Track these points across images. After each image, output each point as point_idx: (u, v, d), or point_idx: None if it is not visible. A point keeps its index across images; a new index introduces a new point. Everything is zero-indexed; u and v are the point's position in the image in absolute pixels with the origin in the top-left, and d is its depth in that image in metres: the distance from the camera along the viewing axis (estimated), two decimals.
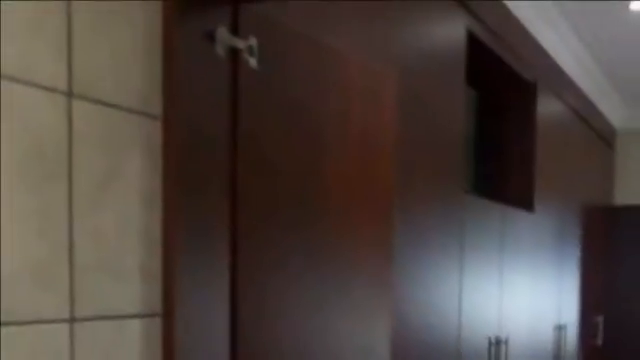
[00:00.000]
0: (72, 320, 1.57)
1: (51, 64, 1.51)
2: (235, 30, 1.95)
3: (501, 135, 5.24)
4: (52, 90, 1.51)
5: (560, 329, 6.15)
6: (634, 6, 5.05)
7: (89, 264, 1.61)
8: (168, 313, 1.78)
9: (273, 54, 2.08)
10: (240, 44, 1.94)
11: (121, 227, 1.68)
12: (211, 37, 1.87)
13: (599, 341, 7.51)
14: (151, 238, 1.76)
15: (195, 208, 1.82)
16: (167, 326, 1.78)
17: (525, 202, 5.18)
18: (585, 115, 6.77)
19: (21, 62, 1.44)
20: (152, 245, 1.76)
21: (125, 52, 1.68)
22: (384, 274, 2.66)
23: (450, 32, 3.78)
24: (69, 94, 1.55)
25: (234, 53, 1.94)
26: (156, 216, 1.77)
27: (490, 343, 4.43)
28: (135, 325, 1.73)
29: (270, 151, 2.10)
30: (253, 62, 1.98)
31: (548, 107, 5.56)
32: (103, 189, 1.64)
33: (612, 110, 7.66)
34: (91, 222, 1.61)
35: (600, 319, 7.51)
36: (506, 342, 4.62)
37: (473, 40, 4.05)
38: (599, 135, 7.43)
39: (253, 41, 1.98)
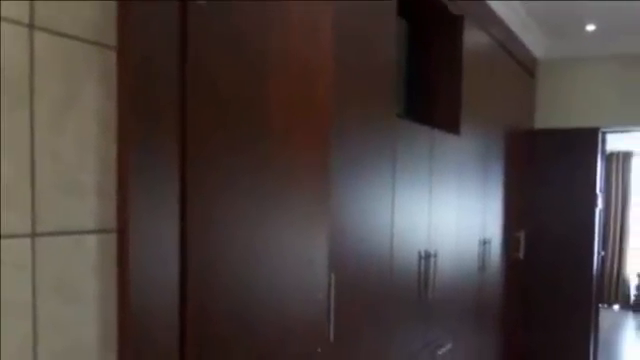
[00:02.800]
0: (33, 235, 1.59)
1: None
2: None
3: (430, 64, 5.27)
4: (16, 23, 1.52)
5: (485, 243, 6.26)
6: None
7: (49, 184, 1.62)
8: (122, 229, 1.79)
9: None
10: None
11: (79, 149, 1.69)
12: None
13: (521, 254, 7.65)
14: (106, 159, 1.76)
15: (147, 131, 1.83)
16: (121, 241, 1.79)
17: (452, 126, 5.24)
18: (508, 46, 6.82)
19: None
20: (107, 166, 1.77)
21: None
22: (322, 192, 2.69)
23: None
24: (31, 26, 1.55)
25: None
26: (111, 139, 1.77)
27: (420, 256, 4.51)
28: (92, 240, 1.74)
29: (217, 79, 2.10)
30: None
31: (474, 38, 5.60)
32: (62, 114, 1.65)
33: (533, 41, 7.72)
34: (51, 145, 1.62)
35: (522, 234, 7.64)
36: (435, 255, 4.71)
37: None
38: (521, 64, 7.49)
39: None
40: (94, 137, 1.74)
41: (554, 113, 8.16)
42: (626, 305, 13.60)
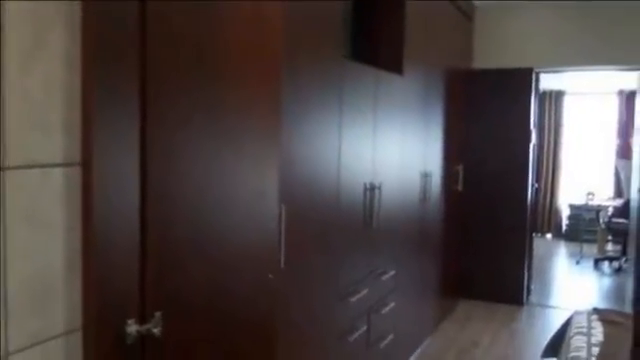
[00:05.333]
0: (4, 168, 1.62)
1: None
2: None
3: (375, 8, 5.28)
4: None
5: (426, 176, 6.34)
6: None
7: (19, 121, 1.65)
8: (86, 162, 1.82)
9: None
10: None
11: (46, 89, 1.72)
12: None
13: (460, 186, 7.75)
14: (72, 98, 1.79)
15: (110, 72, 1.86)
16: (85, 173, 1.83)
17: (395, 66, 5.28)
18: None
19: None
20: (73, 104, 1.79)
21: None
22: (274, 128, 2.72)
23: None
24: None
25: None
26: (76, 79, 1.80)
27: (365, 188, 4.57)
28: (58, 173, 1.78)
29: (174, 24, 2.12)
30: None
31: None
32: (32, 57, 1.67)
33: None
34: (21, 85, 1.65)
35: (460, 167, 7.74)
36: (379, 187, 4.77)
37: None
38: (460, 9, 7.51)
39: None
40: (60, 78, 1.76)
41: (491, 54, 8.21)
42: (558, 234, 13.81)
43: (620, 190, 12.45)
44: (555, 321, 6.95)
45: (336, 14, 3.99)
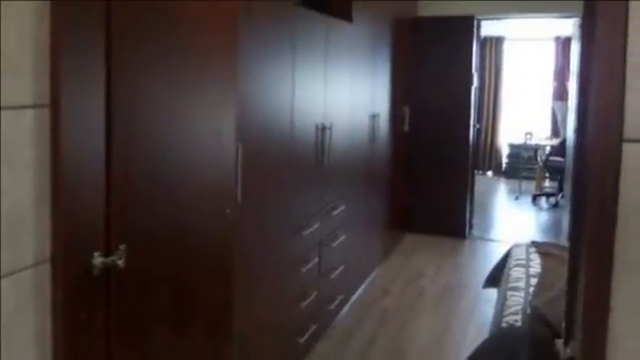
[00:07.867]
0: None
1: None
2: None
3: None
4: None
5: (374, 117, 6.39)
6: None
7: None
8: (55, 105, 1.84)
9: None
10: None
11: (18, 36, 1.73)
12: None
13: (406, 127, 7.82)
14: (41, 45, 1.80)
15: (77, 19, 1.87)
16: (54, 115, 1.85)
17: (345, 14, 5.29)
18: None
19: None
20: (42, 49, 1.81)
21: None
22: (230, 72, 2.75)
23: None
24: None
25: None
26: (45, 27, 1.81)
27: (317, 128, 4.61)
28: (28, 114, 1.80)
29: None
30: None
31: None
32: (4, 7, 1.68)
33: None
34: None
35: (407, 109, 7.80)
36: (330, 128, 4.82)
37: None
38: None
39: None
40: (31, 26, 1.78)
41: (435, 3, 8.22)
42: (498, 172, 14.01)
43: (557, 130, 12.62)
44: (495, 253, 7.08)
45: None
